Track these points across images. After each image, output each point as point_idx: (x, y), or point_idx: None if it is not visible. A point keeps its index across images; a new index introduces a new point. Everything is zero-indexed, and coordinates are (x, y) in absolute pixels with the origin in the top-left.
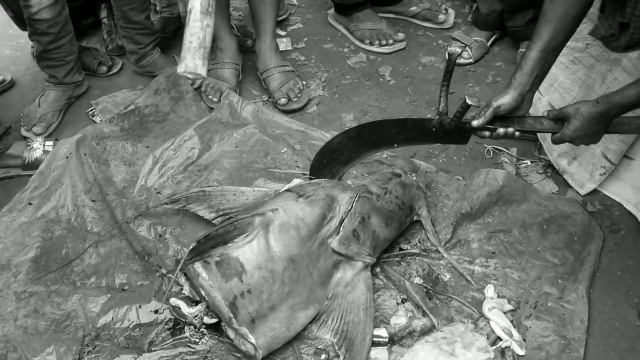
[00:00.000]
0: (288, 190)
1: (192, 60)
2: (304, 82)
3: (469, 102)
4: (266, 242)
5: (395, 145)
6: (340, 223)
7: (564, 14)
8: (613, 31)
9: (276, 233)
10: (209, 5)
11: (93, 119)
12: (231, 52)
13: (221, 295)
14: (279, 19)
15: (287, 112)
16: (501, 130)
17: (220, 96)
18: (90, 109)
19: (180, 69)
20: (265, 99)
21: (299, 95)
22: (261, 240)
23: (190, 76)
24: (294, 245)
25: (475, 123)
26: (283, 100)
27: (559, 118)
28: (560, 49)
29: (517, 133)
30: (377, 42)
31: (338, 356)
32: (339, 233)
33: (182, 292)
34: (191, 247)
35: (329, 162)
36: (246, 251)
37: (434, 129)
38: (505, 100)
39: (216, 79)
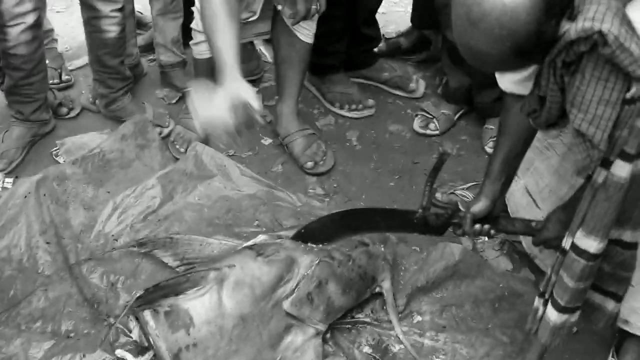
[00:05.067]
0: (249, 247)
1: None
2: (326, 144)
3: (447, 150)
4: (218, 297)
5: (376, 232)
6: (297, 285)
7: (517, 125)
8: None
9: (230, 290)
10: None
11: (56, 159)
12: None
13: (166, 346)
14: (252, 78)
15: (312, 175)
16: (477, 227)
17: (188, 147)
18: (54, 148)
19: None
20: (231, 153)
21: (324, 158)
22: (213, 295)
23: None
24: (247, 304)
25: (458, 233)
26: (310, 164)
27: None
28: (522, 154)
29: (492, 231)
30: (347, 106)
31: None
32: (293, 295)
33: (130, 339)
34: (139, 294)
35: (308, 240)
36: (197, 305)
37: (416, 222)
38: (479, 207)
39: (186, 128)
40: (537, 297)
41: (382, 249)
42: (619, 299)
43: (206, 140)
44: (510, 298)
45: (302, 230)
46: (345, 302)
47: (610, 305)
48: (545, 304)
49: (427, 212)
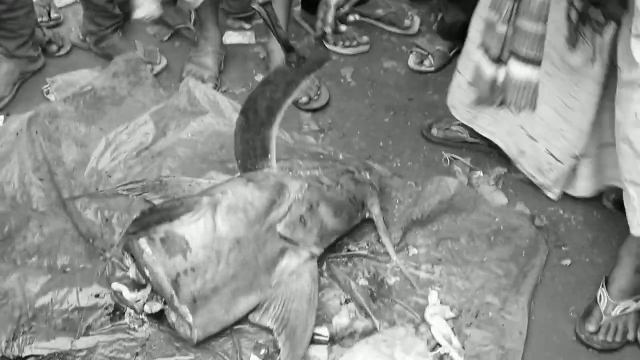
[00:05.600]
0: (239, 176)
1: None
2: (320, 79)
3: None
4: (213, 222)
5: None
6: (289, 209)
7: None
8: None
9: (223, 214)
10: None
11: (47, 96)
12: (215, 41)
13: (164, 271)
14: (245, 14)
15: (307, 111)
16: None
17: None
18: (45, 86)
19: (137, 15)
20: (242, 91)
21: (319, 93)
22: (208, 219)
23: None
24: (241, 228)
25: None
26: (304, 99)
27: None
28: None
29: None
30: (341, 42)
31: (278, 351)
32: (286, 218)
33: (127, 274)
34: (135, 217)
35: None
36: (192, 229)
37: (294, 64)
38: None
39: (197, 66)
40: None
41: (368, 176)
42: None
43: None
44: (505, 232)
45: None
46: (337, 225)
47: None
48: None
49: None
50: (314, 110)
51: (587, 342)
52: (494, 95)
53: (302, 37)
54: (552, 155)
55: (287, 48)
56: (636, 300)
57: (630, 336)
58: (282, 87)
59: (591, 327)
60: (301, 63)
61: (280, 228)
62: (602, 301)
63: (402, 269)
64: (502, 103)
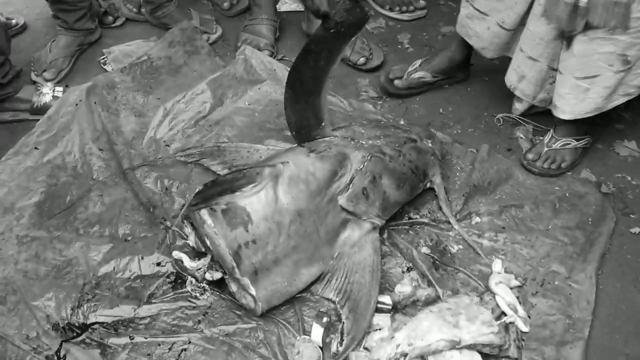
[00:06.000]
0: (301, 145)
1: None
2: (366, 39)
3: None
4: (274, 193)
5: (331, 65)
6: (351, 181)
7: None
8: None
9: (285, 185)
10: None
11: (104, 67)
12: (269, 10)
13: (225, 244)
14: None
15: (366, 71)
16: None
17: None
18: (102, 57)
19: None
20: (280, 57)
21: (372, 52)
22: (269, 191)
23: None
24: (303, 199)
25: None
26: (362, 60)
27: None
28: None
29: None
30: (397, 8)
31: (340, 320)
32: (348, 190)
33: (187, 242)
34: (197, 190)
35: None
36: (253, 201)
37: (332, 30)
38: None
39: (253, 35)
40: None
41: (430, 144)
42: None
43: (275, 46)
44: (571, 199)
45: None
46: (400, 196)
47: None
48: None
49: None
50: (373, 70)
51: (527, 167)
52: (575, 21)
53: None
54: (554, 69)
55: (321, 16)
56: (577, 140)
57: (564, 165)
58: (325, 55)
59: (530, 156)
60: (339, 28)
61: (342, 201)
62: (547, 136)
63: (465, 237)
64: (586, 27)
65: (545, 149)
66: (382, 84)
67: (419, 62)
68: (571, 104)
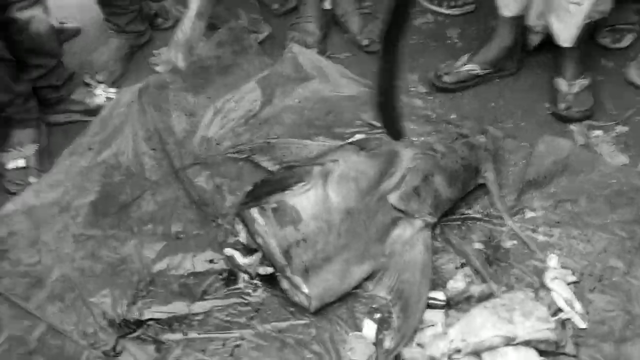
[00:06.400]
0: (350, 143)
1: (175, 54)
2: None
3: None
4: (324, 192)
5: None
6: (402, 179)
7: None
8: None
9: (335, 184)
10: (204, 9)
11: (155, 69)
12: (314, 6)
13: (276, 242)
14: None
15: (370, 53)
16: None
17: None
18: (152, 58)
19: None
20: (347, 56)
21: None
22: (319, 190)
23: (167, 68)
24: (352, 198)
25: None
26: (366, 42)
27: None
28: None
29: None
30: (445, 2)
31: (392, 317)
32: (399, 189)
33: (238, 239)
34: (248, 189)
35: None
36: (303, 200)
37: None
38: None
39: (300, 32)
40: None
41: (483, 139)
42: None
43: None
44: (628, 192)
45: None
46: (452, 194)
47: None
48: None
49: None
50: (375, 52)
51: (567, 116)
52: None
53: None
54: None
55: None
56: (583, 79)
57: (590, 104)
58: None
59: (563, 105)
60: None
61: (393, 200)
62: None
63: (519, 233)
64: None
65: (570, 95)
66: (431, 79)
67: (466, 56)
68: (565, 30)
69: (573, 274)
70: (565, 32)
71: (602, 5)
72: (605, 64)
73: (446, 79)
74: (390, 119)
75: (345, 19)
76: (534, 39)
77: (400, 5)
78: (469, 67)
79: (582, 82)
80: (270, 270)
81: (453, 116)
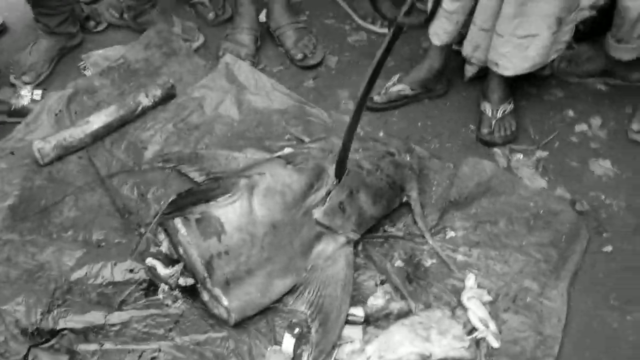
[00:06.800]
0: (278, 156)
1: None
2: (317, 38)
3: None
4: (249, 204)
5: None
6: (327, 194)
7: None
8: None
9: (260, 197)
10: None
11: (84, 72)
12: (249, 18)
13: (198, 253)
14: None
15: (304, 68)
16: None
17: None
18: (81, 62)
19: None
20: (280, 69)
21: (314, 51)
22: (244, 202)
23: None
24: (278, 211)
25: None
26: (300, 56)
27: None
28: None
29: None
30: (379, 21)
31: (311, 332)
32: (324, 204)
33: (160, 249)
34: (171, 199)
35: None
36: (228, 211)
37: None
38: None
39: (234, 44)
40: None
41: (408, 158)
42: None
43: (256, 55)
44: (545, 216)
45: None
46: (376, 211)
47: None
48: None
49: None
50: (310, 68)
51: (489, 141)
52: None
53: (340, 17)
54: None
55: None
56: (508, 104)
57: (514, 128)
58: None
59: (485, 130)
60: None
61: (318, 215)
62: (488, 111)
63: (439, 252)
64: None
65: (493, 120)
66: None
67: (397, 76)
68: (513, 62)
69: (489, 293)
70: (516, 65)
71: (560, 45)
72: (529, 89)
73: (377, 99)
74: (340, 161)
75: (280, 32)
76: (470, 70)
77: (377, 70)
78: (399, 87)
79: (507, 107)
80: (190, 281)
81: (381, 134)
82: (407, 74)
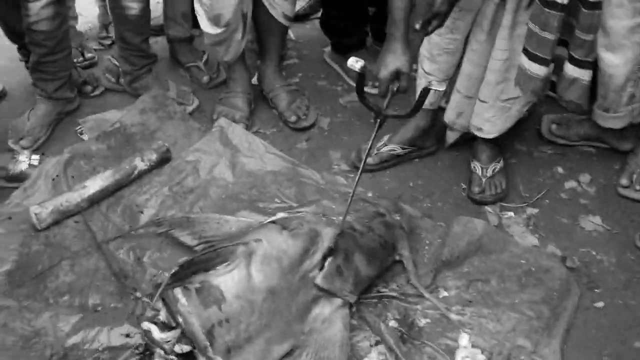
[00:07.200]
0: (272, 222)
1: None
2: (309, 100)
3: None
4: (247, 272)
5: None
6: (323, 258)
7: None
8: None
9: (258, 264)
10: None
11: (81, 137)
12: (243, 82)
13: (199, 323)
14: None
15: (297, 130)
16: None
17: None
18: (78, 127)
19: None
20: (273, 131)
21: (307, 113)
22: (242, 269)
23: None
24: (275, 277)
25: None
26: (293, 118)
27: None
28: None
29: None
30: (371, 82)
31: None
32: (322, 268)
33: (158, 317)
34: (173, 271)
35: None
36: (227, 280)
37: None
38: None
39: (228, 107)
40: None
41: (398, 218)
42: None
43: (250, 117)
44: (536, 273)
45: None
46: (371, 271)
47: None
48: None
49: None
50: (303, 129)
51: (480, 200)
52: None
53: (332, 78)
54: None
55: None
56: (497, 162)
57: (504, 186)
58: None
59: (477, 189)
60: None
61: (319, 280)
62: (478, 170)
63: (436, 303)
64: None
65: (484, 179)
66: (354, 161)
67: (387, 136)
68: (497, 124)
69: (482, 352)
70: (500, 127)
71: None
72: (519, 147)
73: (369, 160)
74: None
75: (273, 95)
76: (451, 136)
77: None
78: (389, 147)
79: (496, 165)
80: (187, 348)
81: (370, 194)
82: (395, 133)
